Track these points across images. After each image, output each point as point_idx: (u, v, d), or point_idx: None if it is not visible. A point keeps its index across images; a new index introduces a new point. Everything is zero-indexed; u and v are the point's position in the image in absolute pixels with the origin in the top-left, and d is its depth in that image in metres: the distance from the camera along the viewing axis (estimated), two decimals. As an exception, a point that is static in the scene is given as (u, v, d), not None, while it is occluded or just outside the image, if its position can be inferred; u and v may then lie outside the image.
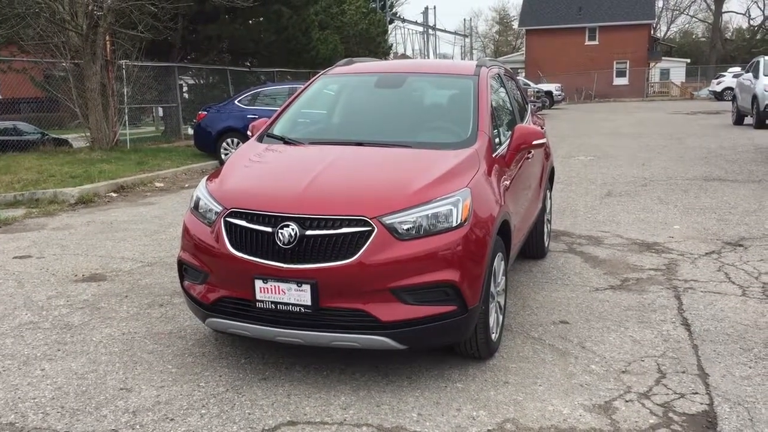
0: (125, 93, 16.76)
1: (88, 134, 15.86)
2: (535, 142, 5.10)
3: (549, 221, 7.28)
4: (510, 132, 5.30)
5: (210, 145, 14.79)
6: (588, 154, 14.23)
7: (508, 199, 4.82)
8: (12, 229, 8.73)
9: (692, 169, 12.08)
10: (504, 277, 4.79)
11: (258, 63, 25.89)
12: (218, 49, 23.60)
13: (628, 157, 13.74)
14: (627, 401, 3.97)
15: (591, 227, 8.32)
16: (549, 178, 7.13)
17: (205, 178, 4.77)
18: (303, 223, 3.93)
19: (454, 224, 4.02)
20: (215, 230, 4.17)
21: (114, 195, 11.19)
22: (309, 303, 3.89)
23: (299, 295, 3.89)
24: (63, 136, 20.84)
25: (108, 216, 9.58)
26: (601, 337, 4.92)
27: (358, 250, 3.86)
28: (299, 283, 3.87)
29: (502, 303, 4.79)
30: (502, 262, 4.69)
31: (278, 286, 3.92)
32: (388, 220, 3.91)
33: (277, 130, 5.27)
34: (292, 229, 3.90)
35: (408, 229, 3.94)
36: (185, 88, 26.75)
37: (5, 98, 28.40)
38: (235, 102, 15.51)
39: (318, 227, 3.91)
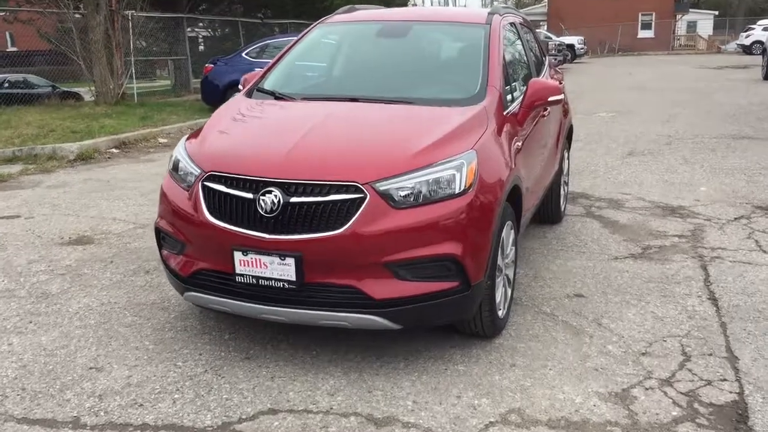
0: (131, 45, 16.26)
1: (93, 88, 15.42)
2: (551, 99, 4.62)
3: (566, 183, 6.81)
4: (524, 87, 4.81)
5: (217, 99, 14.29)
6: (610, 110, 13.63)
7: (519, 161, 4.36)
8: (6, 187, 8.40)
9: (720, 127, 11.48)
10: (513, 248, 4.36)
11: (271, 14, 25.20)
12: (229, 0, 22.95)
13: (652, 113, 13.13)
14: (647, 389, 3.57)
15: (611, 189, 7.84)
16: (567, 136, 6.63)
17: (186, 136, 4.35)
18: (287, 189, 3.51)
19: (457, 191, 3.58)
20: (193, 196, 3.77)
21: (115, 151, 10.82)
22: (293, 278, 3.49)
23: (283, 270, 3.49)
24: (74, 89, 20.49)
25: (107, 173, 9.22)
26: (619, 313, 4.50)
27: (349, 220, 3.44)
28: (282, 256, 3.47)
29: (511, 275, 4.37)
30: (512, 232, 4.26)
31: (260, 259, 3.52)
32: (383, 186, 3.49)
33: (267, 84, 4.82)
34: (275, 196, 3.49)
35: (405, 197, 3.51)
36: (200, 40, 26.18)
37: (20, 51, 28.03)
38: (243, 54, 14.99)
39: (304, 194, 3.49)
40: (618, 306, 4.62)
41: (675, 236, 6.15)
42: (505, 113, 4.38)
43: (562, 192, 6.53)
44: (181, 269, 3.87)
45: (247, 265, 3.55)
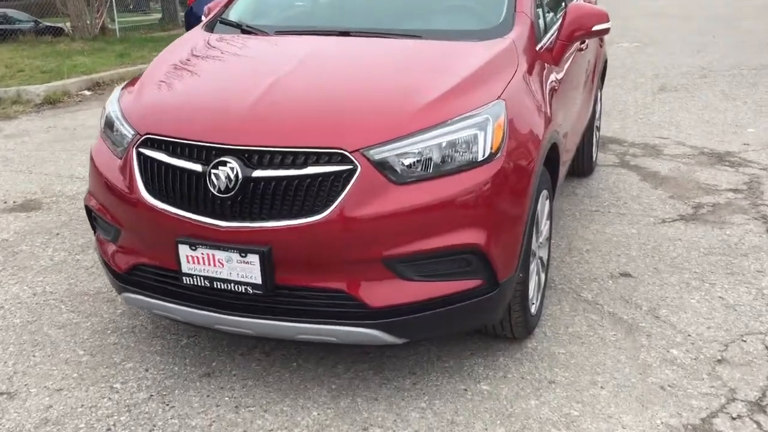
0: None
1: (68, 23, 14.24)
2: (596, 28, 3.58)
3: (598, 128, 5.80)
4: (561, 12, 3.78)
5: (204, 33, 13.15)
6: (632, 39, 12.44)
7: (556, 109, 3.37)
8: (-41, 137, 7.43)
9: (757, 57, 10.34)
10: (548, 222, 3.42)
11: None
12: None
13: (679, 42, 11.96)
14: (734, 418, 2.69)
15: (645, 132, 6.83)
16: (602, 73, 5.59)
17: (123, 85, 3.36)
18: (248, 158, 2.55)
19: (481, 157, 2.62)
20: (126, 166, 2.81)
21: (87, 93, 9.77)
22: (259, 281, 2.57)
23: (245, 270, 2.57)
24: (59, 24, 19.24)
25: (74, 120, 8.22)
26: (679, 300, 3.59)
27: (334, 201, 2.50)
28: (243, 252, 2.54)
29: (545, 257, 3.44)
30: (547, 202, 3.31)
31: (213, 255, 2.59)
32: (380, 153, 2.53)
33: (234, 14, 3.78)
34: (232, 168, 2.53)
35: (410, 167, 2.56)
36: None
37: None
38: (231, -17, 13.73)
39: (270, 165, 2.54)
40: (676, 289, 3.70)
41: (729, 191, 5.19)
42: (538, 48, 3.37)
43: (594, 139, 5.54)
44: (115, 263, 2.94)
45: (196, 263, 2.62)
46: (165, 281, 2.78)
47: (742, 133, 6.68)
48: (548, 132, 3.09)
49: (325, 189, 2.51)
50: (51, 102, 9.06)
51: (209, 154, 2.60)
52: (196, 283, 2.65)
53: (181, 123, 2.74)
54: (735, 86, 8.63)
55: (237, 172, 2.52)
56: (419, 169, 2.57)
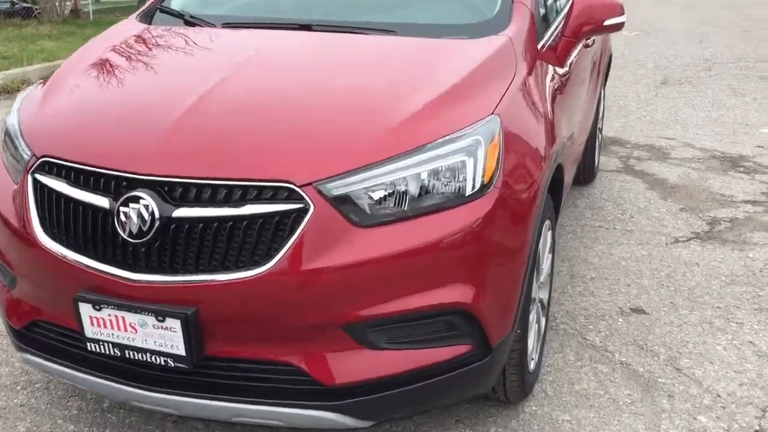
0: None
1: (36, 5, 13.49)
2: (608, 22, 2.99)
3: (600, 130, 5.23)
4: (566, 2, 3.19)
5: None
6: (632, 27, 11.82)
7: (560, 120, 2.80)
8: None
9: (763, 48, 9.78)
10: (551, 256, 2.85)
11: None
12: None
13: (682, 31, 11.37)
14: None
15: (649, 131, 6.26)
16: (606, 67, 5.00)
17: (30, 89, 2.76)
18: (168, 192, 1.96)
19: (470, 190, 2.04)
20: (21, 195, 2.21)
21: (49, 81, 9.09)
22: (182, 352, 1.99)
23: (164, 337, 1.98)
24: (30, 5, 18.41)
25: (30, 111, 7.55)
26: (703, 346, 3.04)
27: (278, 250, 1.92)
28: (161, 315, 1.96)
29: (547, 298, 2.88)
30: (550, 233, 2.74)
31: (122, 318, 2.00)
32: (339, 187, 1.95)
33: (176, 3, 3.16)
34: (146, 206, 1.94)
35: (379, 204, 1.98)
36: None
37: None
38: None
39: (197, 202, 1.95)
40: (698, 331, 3.15)
41: (746, 202, 4.64)
42: (539, 47, 2.78)
43: (597, 142, 4.97)
44: (12, 316, 2.35)
45: (102, 326, 2.04)
46: (68, 343, 2.20)
47: (755, 134, 6.13)
48: (553, 151, 2.51)
49: (267, 234, 1.93)
50: (8, 91, 8.38)
51: (118, 187, 2.01)
52: (104, 351, 2.07)
53: (85, 143, 2.14)
54: (742, 80, 8.07)
55: (153, 210, 1.93)
56: (391, 206, 1.99)
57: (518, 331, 2.32)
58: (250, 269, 1.93)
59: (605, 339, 3.09)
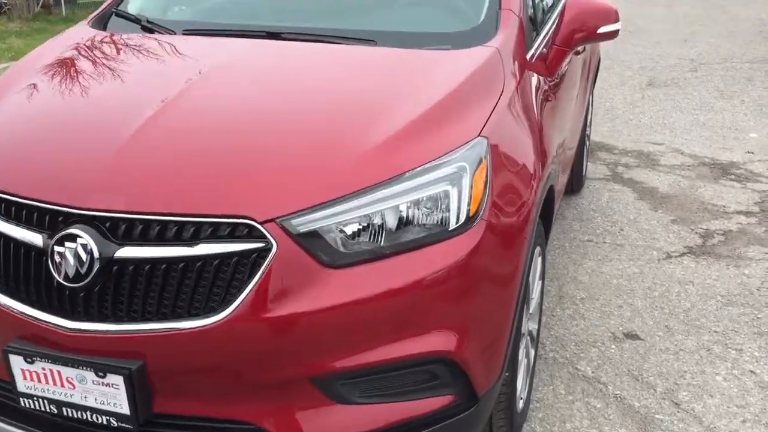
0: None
1: (6, -1, 13.09)
2: (602, 30, 2.78)
3: (588, 136, 5.02)
4: (555, 9, 2.97)
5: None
6: (613, 25, 11.65)
7: (551, 136, 2.59)
8: None
9: (750, 49, 9.62)
10: (541, 283, 2.64)
11: None
12: None
13: (666, 31, 11.19)
14: None
15: (637, 136, 6.07)
16: (595, 72, 4.79)
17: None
18: (110, 230, 1.72)
19: (453, 224, 1.82)
20: (-55, 227, 1.95)
21: (16, 81, 8.76)
22: (126, 410, 1.74)
23: (105, 394, 1.74)
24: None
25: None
26: (701, 376, 2.84)
27: (237, 295, 1.68)
28: (101, 370, 1.71)
29: (536, 328, 2.66)
30: (540, 259, 2.52)
31: (57, 373, 1.76)
32: (306, 223, 1.72)
33: (135, 4, 2.90)
34: (85, 245, 1.69)
35: (352, 240, 1.75)
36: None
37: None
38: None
39: (144, 240, 1.71)
40: (696, 359, 2.95)
41: (739, 213, 4.46)
42: (528, 56, 2.56)
43: (584, 149, 4.76)
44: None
45: (36, 380, 1.79)
46: (2, 394, 1.95)
47: (744, 139, 5.96)
48: (544, 173, 2.30)
49: (224, 277, 1.69)
50: (-28, 91, 8.04)
51: (54, 222, 1.76)
52: (39, 408, 1.82)
53: (17, 171, 1.90)
54: (729, 82, 7.91)
55: (92, 250, 1.69)
56: (365, 244, 1.76)
57: (507, 374, 2.10)
58: (205, 317, 1.69)
59: (597, 369, 2.88)
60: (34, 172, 1.86)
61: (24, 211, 1.80)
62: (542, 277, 2.65)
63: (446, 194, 1.82)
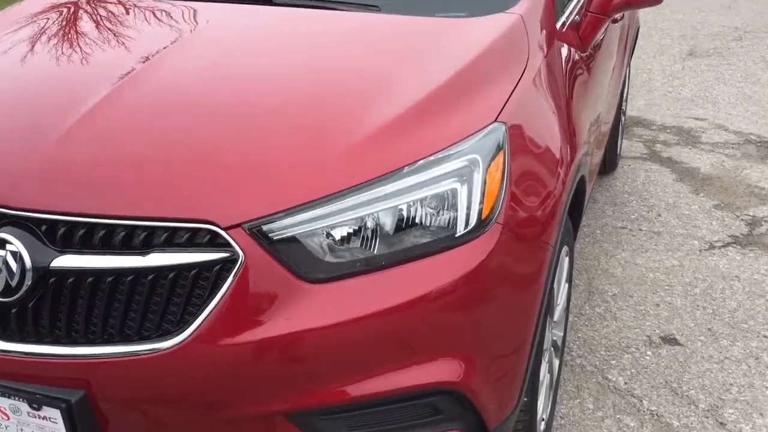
0: None
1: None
2: (645, -6, 2.40)
3: (624, 112, 4.63)
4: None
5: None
6: (652, -9, 11.08)
7: (584, 117, 2.24)
8: None
9: (796, 14, 9.06)
10: (567, 284, 2.31)
11: None
12: None
13: (705, -5, 10.63)
14: None
15: (677, 110, 5.63)
16: (634, 41, 4.37)
17: None
18: (48, 234, 1.43)
19: (462, 229, 1.51)
20: None
21: None
22: (68, 448, 1.47)
23: (43, 428, 1.47)
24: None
25: None
26: (750, 391, 2.51)
27: (196, 314, 1.40)
28: (35, 402, 1.43)
29: (561, 337, 2.34)
30: (567, 259, 2.19)
31: (-12, 402, 1.49)
32: (280, 229, 1.42)
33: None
34: (14, 253, 1.40)
35: (337, 250, 1.44)
36: None
37: None
38: None
39: (86, 247, 1.41)
40: (743, 369, 2.62)
41: (790, 198, 4.06)
42: (558, 25, 2.20)
43: (620, 125, 4.38)
44: None
45: (-34, 409, 1.52)
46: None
47: (795, 113, 5.51)
48: (575, 164, 1.96)
49: (181, 293, 1.40)
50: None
51: (-19, 224, 1.47)
52: (-30, 439, 1.56)
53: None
54: (777, 51, 7.39)
55: (23, 258, 1.40)
56: (353, 254, 1.46)
57: (525, 400, 1.79)
58: (159, 340, 1.41)
59: (631, 379, 2.56)
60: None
61: (-50, 209, 1.52)
62: (569, 279, 2.33)
63: (454, 193, 1.50)
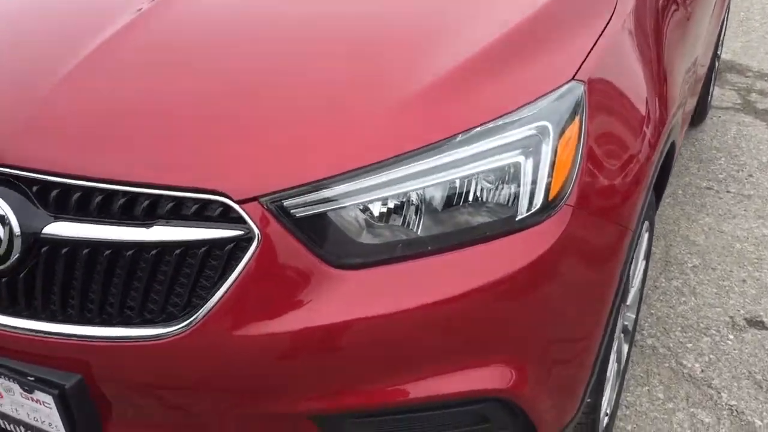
0: None
1: None
2: None
3: (718, 56, 4.17)
4: None
5: None
6: None
7: (677, 70, 1.91)
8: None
9: None
10: (645, 262, 2.03)
11: None
12: None
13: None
14: None
15: (777, 55, 5.11)
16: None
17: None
18: (39, 196, 1.23)
19: (525, 210, 1.25)
20: None
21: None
22: (63, 433, 1.31)
23: (38, 411, 1.31)
24: None
25: None
26: None
27: (204, 299, 1.19)
28: (26, 385, 1.27)
29: (633, 320, 2.08)
30: (647, 234, 1.91)
31: (-20, 378, 1.33)
32: (305, 205, 1.19)
33: None
34: (2, 216, 1.22)
35: (374, 231, 1.21)
36: None
37: None
38: None
39: (82, 214, 1.21)
40: (842, 364, 2.30)
41: None
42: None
43: (713, 72, 3.94)
44: None
45: (-41, 382, 1.37)
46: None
47: None
48: (665, 128, 1.65)
49: (188, 273, 1.19)
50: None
51: (-32, 181, 1.29)
52: (-34, 414, 1.42)
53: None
54: None
55: (10, 223, 1.21)
56: (392, 236, 1.22)
57: (589, 401, 1.55)
58: (162, 326, 1.21)
59: (709, 367, 2.28)
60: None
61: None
62: (647, 256, 2.04)
63: (516, 168, 1.24)
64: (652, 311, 2.54)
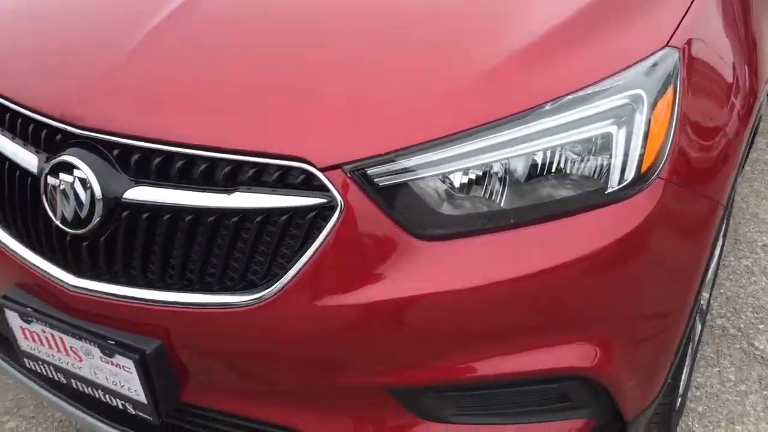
0: None
1: None
2: None
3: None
4: None
5: None
6: None
7: (762, 27, 1.81)
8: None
9: None
10: (722, 240, 1.96)
11: None
12: None
13: None
14: None
15: None
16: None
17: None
18: (120, 160, 1.22)
19: (617, 183, 1.19)
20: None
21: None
22: (143, 399, 1.31)
23: (117, 375, 1.32)
24: None
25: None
26: None
27: (286, 268, 1.17)
28: (107, 348, 1.27)
29: (707, 299, 2.02)
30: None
31: (60, 339, 1.34)
32: (390, 174, 1.15)
33: None
34: (84, 180, 1.21)
35: (456, 195, 1.17)
36: None
37: None
38: None
39: (163, 180, 1.20)
40: None
41: None
42: None
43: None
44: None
45: (38, 342, 1.39)
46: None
47: None
48: (758, 97, 1.57)
49: (269, 241, 1.17)
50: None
51: (50, 142, 1.29)
52: (43, 372, 1.43)
53: (19, 74, 1.41)
54: None
55: (92, 186, 1.20)
56: (478, 207, 1.19)
57: (669, 382, 1.50)
58: (242, 294, 1.20)
59: (783, 350, 2.21)
60: (37, 74, 1.38)
61: (25, 123, 1.34)
62: (725, 233, 1.97)
63: (608, 139, 1.19)
64: (722, 290, 2.46)
